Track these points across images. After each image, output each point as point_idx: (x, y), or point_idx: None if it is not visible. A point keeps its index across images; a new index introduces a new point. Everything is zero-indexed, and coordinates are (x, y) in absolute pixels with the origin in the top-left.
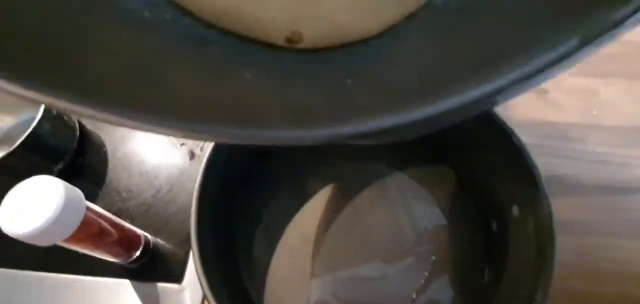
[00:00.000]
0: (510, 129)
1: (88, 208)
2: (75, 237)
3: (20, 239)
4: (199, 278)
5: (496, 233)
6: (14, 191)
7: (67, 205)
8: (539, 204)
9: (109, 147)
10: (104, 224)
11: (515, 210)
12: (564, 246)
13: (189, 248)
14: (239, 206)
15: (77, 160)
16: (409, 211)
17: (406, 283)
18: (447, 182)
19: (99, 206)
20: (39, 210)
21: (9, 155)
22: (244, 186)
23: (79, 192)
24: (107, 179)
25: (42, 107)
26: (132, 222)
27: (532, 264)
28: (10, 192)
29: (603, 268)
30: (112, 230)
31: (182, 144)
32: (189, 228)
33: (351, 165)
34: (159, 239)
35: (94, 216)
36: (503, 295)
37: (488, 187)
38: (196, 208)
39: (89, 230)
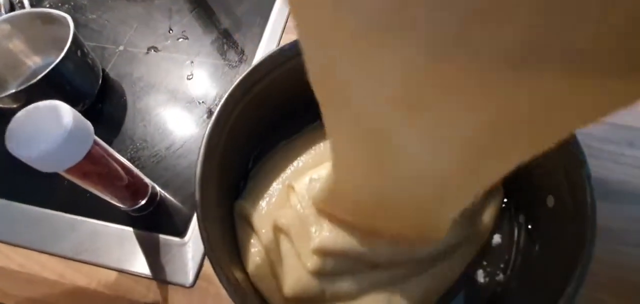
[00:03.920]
0: None
1: (96, 143)
2: (80, 169)
3: (25, 161)
4: (201, 233)
5: (524, 225)
6: (23, 112)
7: (74, 132)
8: (581, 192)
9: (129, 98)
10: (112, 163)
11: (550, 201)
12: (596, 253)
13: (194, 204)
14: (246, 166)
15: (97, 105)
16: None
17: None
18: None
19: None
20: (46, 133)
21: (30, 87)
22: (253, 145)
23: (87, 123)
24: (124, 127)
25: (67, 47)
26: (143, 172)
27: (566, 258)
28: (18, 113)
29: (636, 283)
30: (120, 171)
31: (202, 102)
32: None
33: None
34: (166, 193)
35: (102, 153)
36: (528, 289)
37: (521, 173)
38: (202, 162)
39: (95, 166)
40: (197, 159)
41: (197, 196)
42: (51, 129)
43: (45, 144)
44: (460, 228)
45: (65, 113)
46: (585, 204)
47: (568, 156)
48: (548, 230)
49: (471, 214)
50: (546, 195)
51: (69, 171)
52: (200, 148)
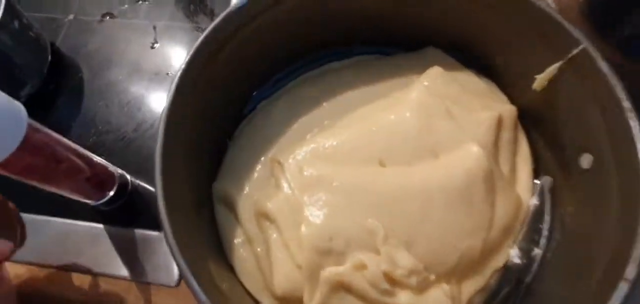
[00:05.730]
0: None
1: (36, 129)
2: (17, 163)
3: None
4: (163, 228)
5: (555, 190)
6: None
7: None
8: (626, 142)
9: (86, 74)
10: (64, 152)
11: (585, 161)
12: None
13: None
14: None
15: (49, 87)
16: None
17: None
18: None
19: (73, 139)
20: None
21: None
22: (229, 111)
23: (17, 105)
24: (83, 110)
25: None
26: (109, 159)
27: (612, 227)
28: None
29: None
30: (77, 161)
31: (170, 73)
32: None
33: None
34: (139, 181)
35: (46, 140)
36: (568, 266)
37: (547, 130)
38: (161, 145)
39: (38, 158)
40: (156, 142)
41: (158, 187)
42: None
43: None
44: (506, 203)
45: None
46: (634, 156)
47: (607, 98)
48: (585, 193)
49: (510, 183)
50: (579, 153)
51: (1, 166)
52: (158, 128)
